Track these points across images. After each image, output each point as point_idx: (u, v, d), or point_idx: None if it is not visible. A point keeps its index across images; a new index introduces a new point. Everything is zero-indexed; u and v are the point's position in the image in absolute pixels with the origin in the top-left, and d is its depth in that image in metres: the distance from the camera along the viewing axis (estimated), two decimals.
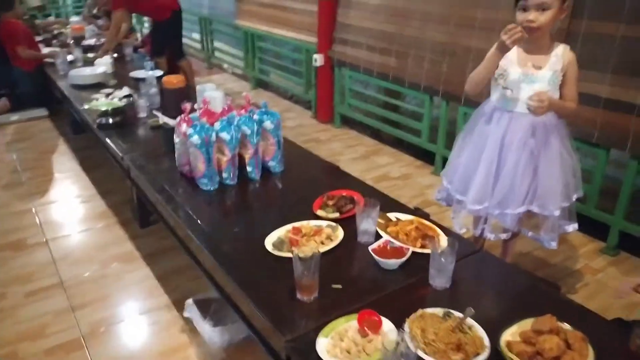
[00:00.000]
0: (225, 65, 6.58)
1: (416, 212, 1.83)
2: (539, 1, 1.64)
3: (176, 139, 2.12)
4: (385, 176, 3.39)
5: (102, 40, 4.93)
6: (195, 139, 1.94)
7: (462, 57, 3.01)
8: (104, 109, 2.76)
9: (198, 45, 6.86)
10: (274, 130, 2.14)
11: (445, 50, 3.13)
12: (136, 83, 3.60)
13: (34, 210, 2.94)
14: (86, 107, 2.83)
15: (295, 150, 2.46)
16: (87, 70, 3.77)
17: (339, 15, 4.07)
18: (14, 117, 4.39)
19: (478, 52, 2.89)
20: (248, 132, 2.06)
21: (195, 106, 2.92)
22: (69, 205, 3.01)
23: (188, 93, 2.88)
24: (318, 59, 4.23)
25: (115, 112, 2.78)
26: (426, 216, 1.78)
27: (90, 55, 4.46)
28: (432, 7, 3.18)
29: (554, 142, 1.76)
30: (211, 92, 2.52)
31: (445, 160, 3.36)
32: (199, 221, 1.80)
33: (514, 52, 1.77)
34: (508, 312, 1.33)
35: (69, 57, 4.23)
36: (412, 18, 3.34)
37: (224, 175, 2.06)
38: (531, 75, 1.74)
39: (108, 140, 2.56)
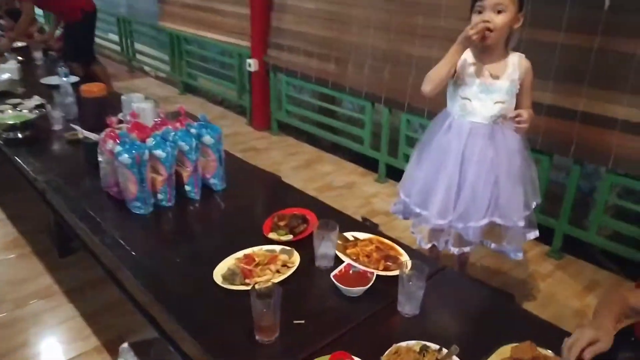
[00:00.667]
0: (148, 69, 6.23)
1: (364, 222, 1.79)
2: (495, 2, 1.62)
3: (100, 158, 1.90)
4: (328, 186, 3.31)
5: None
6: (125, 158, 1.74)
7: (404, 64, 3.00)
8: (11, 122, 2.44)
9: (117, 47, 6.44)
10: (215, 145, 1.98)
11: (386, 56, 3.10)
12: (48, 91, 3.26)
13: None
14: None
15: (234, 163, 2.30)
16: None
17: (273, 20, 3.95)
18: None
19: (420, 60, 2.90)
20: (186, 148, 1.88)
21: (121, 117, 2.69)
22: None
23: (110, 102, 2.64)
24: (252, 64, 4.08)
25: (25, 125, 2.47)
26: (375, 227, 1.74)
27: None
28: (371, 13, 3.15)
29: (512, 151, 1.76)
30: (140, 102, 2.30)
31: (388, 167, 3.37)
32: (132, 251, 1.60)
33: (471, 61, 1.75)
34: (483, 336, 1.27)
35: None
36: (351, 24, 3.29)
37: (160, 196, 1.86)
38: (489, 86, 1.73)
39: (18, 159, 2.26)
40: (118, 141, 1.80)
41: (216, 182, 2.02)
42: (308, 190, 3.13)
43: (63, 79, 3.29)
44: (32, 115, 2.52)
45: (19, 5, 4.24)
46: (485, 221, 1.76)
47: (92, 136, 2.25)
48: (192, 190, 1.94)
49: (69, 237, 2.30)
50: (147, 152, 1.79)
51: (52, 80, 3.44)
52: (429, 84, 1.75)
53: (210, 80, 5.06)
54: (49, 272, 2.32)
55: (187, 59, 5.24)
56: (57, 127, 2.61)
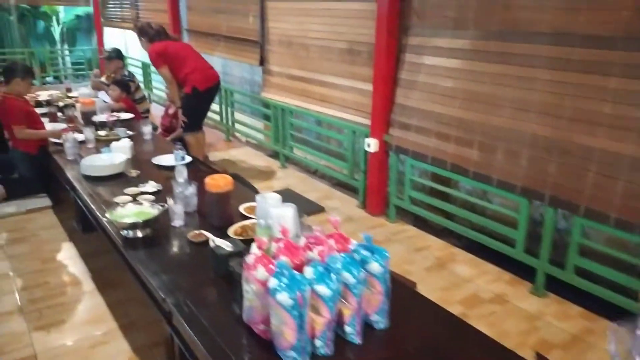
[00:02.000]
0: (246, 139, 6.22)
1: None
2: None
3: (247, 287, 1.61)
4: (475, 298, 2.84)
5: (116, 115, 4.62)
6: (285, 298, 1.43)
7: (581, 158, 2.56)
8: (132, 221, 2.27)
9: (216, 116, 6.53)
10: (382, 275, 1.64)
11: (552, 147, 2.68)
12: (160, 172, 3.19)
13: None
14: (109, 217, 2.34)
15: None
16: (104, 158, 3.31)
17: (398, 97, 3.69)
18: (11, 208, 3.87)
19: (605, 155, 2.46)
20: (351, 281, 1.55)
21: (242, 209, 2.50)
22: (79, 351, 2.37)
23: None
24: (371, 144, 3.82)
25: (146, 222, 2.30)
26: None
27: (102, 133, 4.08)
28: (532, 94, 2.78)
29: None
30: (278, 208, 2.03)
31: (549, 278, 2.82)
32: None
33: None
34: None
35: (79, 137, 3.81)
36: (502, 106, 2.93)
37: (318, 342, 1.53)
38: None
39: (141, 269, 2.05)
40: (272, 270, 1.51)
41: (379, 320, 1.67)
42: (452, 304, 2.72)
43: (179, 162, 3.19)
44: (155, 212, 2.35)
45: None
46: None
47: (224, 245, 2.02)
48: (353, 332, 1.60)
49: None
50: (309, 288, 1.48)
51: (162, 160, 3.37)
52: None
53: (318, 156, 4.85)
54: None
55: (290, 132, 5.11)
56: (177, 222, 2.43)
